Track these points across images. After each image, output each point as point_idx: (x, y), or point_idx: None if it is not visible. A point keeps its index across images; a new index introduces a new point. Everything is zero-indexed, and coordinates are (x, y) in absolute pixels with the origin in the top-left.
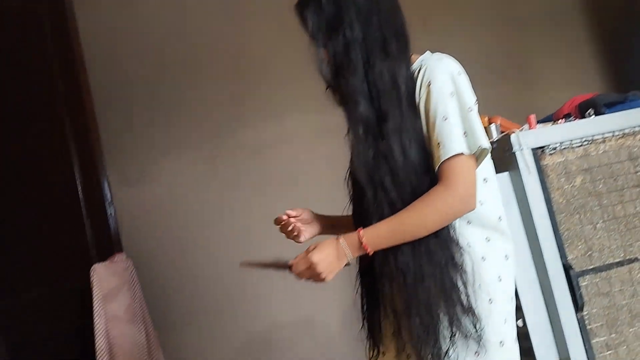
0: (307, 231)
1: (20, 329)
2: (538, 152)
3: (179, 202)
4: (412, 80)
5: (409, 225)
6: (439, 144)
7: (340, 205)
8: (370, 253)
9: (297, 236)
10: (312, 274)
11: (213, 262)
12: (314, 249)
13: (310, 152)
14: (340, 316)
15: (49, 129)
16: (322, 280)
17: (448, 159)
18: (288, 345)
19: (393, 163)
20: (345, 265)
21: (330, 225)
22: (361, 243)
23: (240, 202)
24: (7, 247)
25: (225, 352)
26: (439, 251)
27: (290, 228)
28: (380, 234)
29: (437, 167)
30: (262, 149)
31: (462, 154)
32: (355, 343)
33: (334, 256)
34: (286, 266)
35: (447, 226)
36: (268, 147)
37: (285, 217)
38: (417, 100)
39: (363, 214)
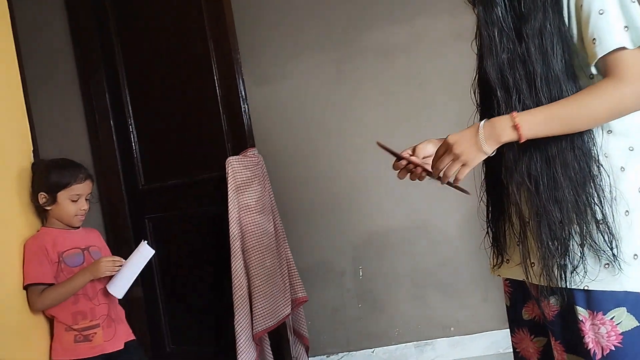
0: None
1: (164, 211)
2: None
3: (307, 102)
4: None
5: (571, 113)
6: (594, 40)
7: (469, 111)
8: (522, 139)
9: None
10: (453, 158)
11: (337, 162)
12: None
13: (439, 56)
14: (457, 223)
15: (191, 29)
16: (464, 164)
17: (609, 53)
18: (403, 246)
19: (531, 67)
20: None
21: None
22: (515, 125)
23: (366, 104)
24: (156, 139)
25: (342, 248)
26: (575, 162)
27: (412, 170)
28: (537, 118)
29: (593, 64)
30: (390, 52)
31: (624, 48)
32: (473, 249)
33: (472, 136)
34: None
35: (585, 135)
36: (396, 50)
37: (404, 163)
38: None
39: None
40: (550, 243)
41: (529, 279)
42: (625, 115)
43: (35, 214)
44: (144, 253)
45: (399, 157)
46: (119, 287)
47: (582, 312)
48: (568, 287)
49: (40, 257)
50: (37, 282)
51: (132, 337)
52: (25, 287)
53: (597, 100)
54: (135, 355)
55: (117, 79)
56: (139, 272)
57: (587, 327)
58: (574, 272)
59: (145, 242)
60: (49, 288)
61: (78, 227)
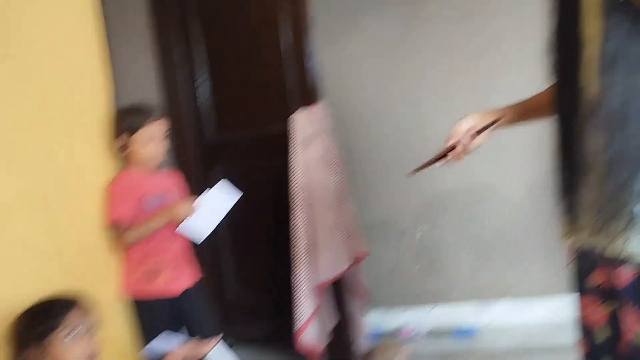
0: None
1: (231, 164)
2: None
3: (378, 58)
4: None
5: None
6: None
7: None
8: None
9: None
10: None
11: (405, 121)
12: None
13: (515, 15)
14: (523, 187)
15: None
16: None
17: None
18: (466, 208)
19: None
20: None
21: (514, 112)
22: None
23: (439, 63)
24: (226, 92)
25: (405, 207)
26: None
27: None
28: None
29: None
30: (464, 10)
31: None
32: (538, 214)
33: None
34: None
35: None
36: (471, 8)
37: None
38: None
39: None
40: (616, 214)
41: (604, 247)
42: None
43: (114, 160)
44: (230, 196)
45: (440, 157)
46: (200, 232)
47: None
48: None
49: (125, 198)
50: (121, 220)
51: (197, 279)
52: (110, 225)
53: None
54: (197, 297)
55: (190, 34)
56: (223, 216)
57: None
58: None
59: (226, 181)
60: (131, 227)
61: (157, 175)
